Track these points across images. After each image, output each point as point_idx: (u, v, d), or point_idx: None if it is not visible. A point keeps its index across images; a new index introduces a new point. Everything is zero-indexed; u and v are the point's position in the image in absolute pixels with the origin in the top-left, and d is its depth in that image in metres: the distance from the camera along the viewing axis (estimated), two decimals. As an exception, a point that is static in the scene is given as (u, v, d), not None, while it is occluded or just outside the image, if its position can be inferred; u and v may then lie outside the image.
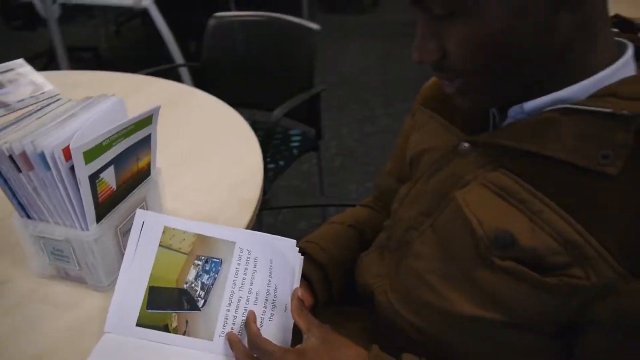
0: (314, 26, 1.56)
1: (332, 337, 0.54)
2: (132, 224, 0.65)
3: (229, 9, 2.38)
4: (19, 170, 0.61)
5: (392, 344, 0.57)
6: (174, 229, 0.65)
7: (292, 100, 1.43)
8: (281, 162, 1.53)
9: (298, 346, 0.54)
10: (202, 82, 1.76)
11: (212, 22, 1.71)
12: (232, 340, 0.59)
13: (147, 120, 0.69)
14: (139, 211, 0.65)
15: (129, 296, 0.62)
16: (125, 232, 0.71)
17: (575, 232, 0.44)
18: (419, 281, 0.57)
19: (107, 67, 1.51)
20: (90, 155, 0.60)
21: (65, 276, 0.71)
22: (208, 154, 1.01)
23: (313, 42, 1.56)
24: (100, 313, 0.64)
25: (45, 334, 0.63)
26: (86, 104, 0.68)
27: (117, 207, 0.69)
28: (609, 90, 0.45)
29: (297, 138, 1.66)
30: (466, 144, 0.55)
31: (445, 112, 0.62)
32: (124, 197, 0.70)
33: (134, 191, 0.72)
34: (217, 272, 0.64)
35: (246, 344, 0.58)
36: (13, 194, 0.65)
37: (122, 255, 0.69)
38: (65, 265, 0.69)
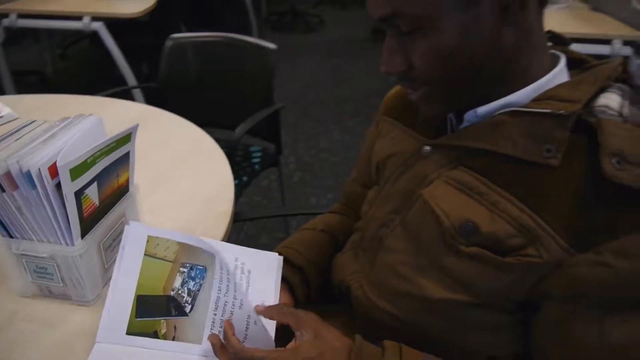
0: (271, 45, 1.62)
1: (323, 331, 0.58)
2: (114, 239, 0.68)
3: (179, 31, 2.41)
4: (3, 190, 0.63)
5: (371, 335, 0.62)
6: (157, 237, 0.67)
7: (253, 117, 1.48)
8: (244, 178, 1.56)
9: (291, 344, 0.58)
10: (159, 103, 1.77)
11: (169, 43, 1.74)
12: (215, 345, 0.62)
13: (127, 137, 0.72)
14: (125, 226, 0.68)
15: (119, 306, 0.64)
16: (107, 247, 0.73)
17: (527, 217, 0.51)
18: (393, 273, 0.62)
19: (53, 90, 1.50)
20: (75, 172, 0.63)
21: (48, 294, 0.72)
22: (179, 171, 1.04)
23: (270, 60, 1.62)
24: (88, 327, 0.66)
25: (35, 353, 0.64)
26: (65, 124, 0.70)
27: (99, 222, 0.71)
28: (548, 95, 0.53)
29: (258, 154, 1.70)
30: (428, 147, 0.62)
31: (407, 119, 0.69)
32: (106, 213, 0.72)
33: (114, 207, 0.74)
34: (202, 278, 0.67)
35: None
36: (-6, 215, 0.66)
37: (105, 270, 0.72)
38: (48, 282, 0.70)
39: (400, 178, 0.64)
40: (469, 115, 0.58)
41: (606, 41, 2.19)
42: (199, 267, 0.67)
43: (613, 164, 0.47)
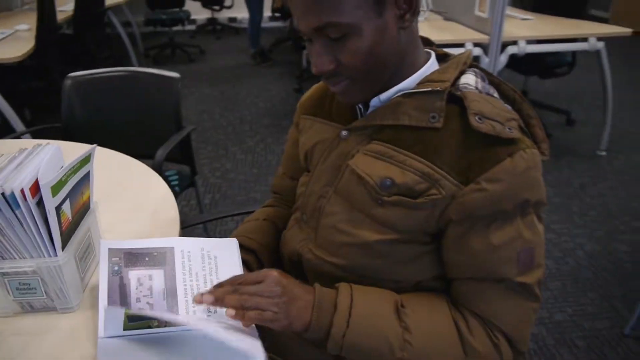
0: (173, 74, 1.73)
1: (286, 276, 0.73)
2: (84, 251, 0.77)
3: (60, 73, 2.38)
4: (-16, 216, 0.69)
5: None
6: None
7: (169, 141, 1.58)
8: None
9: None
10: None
11: (67, 82, 1.76)
12: (217, 300, 0.70)
13: (87, 158, 0.81)
14: (102, 241, 0.77)
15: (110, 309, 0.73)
16: (81, 258, 0.81)
17: (426, 167, 0.71)
18: (335, 231, 0.79)
19: None
20: (54, 189, 0.71)
21: (29, 310, 0.78)
22: (120, 192, 1.12)
23: (175, 88, 1.73)
24: (79, 330, 0.74)
25: (36, 356, 0.70)
26: (26, 154, 0.78)
27: (73, 235, 0.79)
28: (427, 79, 0.74)
29: (175, 177, 1.79)
30: (345, 132, 0.80)
31: (324, 114, 0.87)
32: (77, 227, 0.81)
33: (82, 222, 0.83)
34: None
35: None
36: (-25, 241, 0.72)
37: (82, 278, 0.80)
38: (31, 298, 0.76)
39: (328, 158, 0.82)
40: (374, 102, 0.78)
41: (460, 44, 2.61)
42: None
43: (476, 120, 0.69)
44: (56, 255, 0.74)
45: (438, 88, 0.72)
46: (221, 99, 4.13)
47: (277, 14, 5.64)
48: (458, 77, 0.75)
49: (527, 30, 2.88)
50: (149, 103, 1.75)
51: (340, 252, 0.79)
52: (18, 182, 0.69)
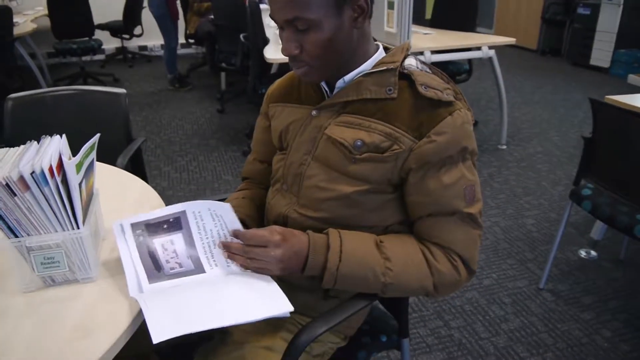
0: (122, 91, 1.80)
1: (284, 235, 0.88)
2: (94, 230, 0.87)
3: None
4: (14, 195, 0.77)
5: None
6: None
7: (126, 150, 1.65)
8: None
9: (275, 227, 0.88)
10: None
11: (8, 103, 1.77)
12: (229, 246, 0.88)
13: (93, 146, 0.91)
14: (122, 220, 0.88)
15: (133, 268, 0.83)
16: (94, 234, 0.90)
17: (388, 128, 0.90)
18: (317, 189, 0.95)
19: None
20: (77, 168, 0.81)
21: (51, 284, 0.85)
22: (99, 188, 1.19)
23: (123, 102, 1.80)
24: (105, 294, 0.83)
25: (73, 316, 0.78)
26: (42, 143, 0.86)
27: (88, 212, 0.88)
28: (381, 62, 0.93)
29: (128, 188, 1.84)
30: (315, 111, 0.97)
31: (293, 100, 1.03)
32: (88, 206, 0.89)
33: (91, 203, 0.91)
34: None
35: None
36: (2, 220, 0.79)
37: (97, 251, 0.89)
38: (54, 271, 0.84)
39: (304, 132, 0.98)
40: (339, 83, 0.95)
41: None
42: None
43: (423, 89, 0.89)
44: (79, 228, 0.83)
45: (391, 66, 0.92)
46: (145, 123, 4.13)
47: (191, 40, 5.72)
48: (403, 60, 0.95)
49: (430, 42, 3.25)
50: (98, 119, 1.80)
51: (323, 206, 0.95)
52: (46, 161, 0.78)
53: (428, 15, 4.14)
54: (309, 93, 1.02)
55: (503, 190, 2.90)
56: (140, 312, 0.78)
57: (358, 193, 0.92)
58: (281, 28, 0.89)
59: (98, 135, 0.92)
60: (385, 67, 0.92)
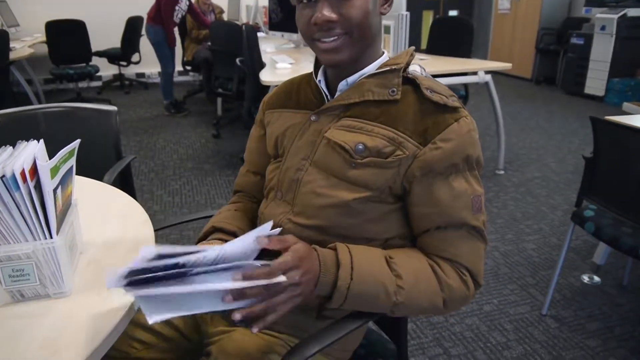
0: (111, 108, 1.76)
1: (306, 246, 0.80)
2: (71, 241, 0.80)
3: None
4: (-19, 201, 0.72)
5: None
6: None
7: (114, 167, 1.59)
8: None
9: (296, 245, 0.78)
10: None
11: (-4, 120, 1.73)
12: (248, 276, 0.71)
13: (72, 152, 0.86)
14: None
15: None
16: (69, 247, 0.84)
17: (391, 132, 0.85)
18: (314, 195, 0.89)
19: None
20: (52, 172, 0.76)
21: (19, 299, 0.79)
22: (85, 202, 1.12)
23: (114, 120, 1.76)
24: (77, 312, 0.76)
25: (40, 333, 0.71)
26: (17, 147, 0.81)
27: (64, 221, 0.82)
28: (385, 64, 0.90)
29: (116, 208, 1.78)
30: (314, 116, 0.93)
31: (291, 106, 0.99)
32: (64, 216, 0.84)
33: (67, 213, 0.86)
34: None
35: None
36: (-32, 228, 0.73)
37: (73, 264, 0.83)
38: (23, 285, 0.78)
39: (303, 136, 0.93)
40: (342, 85, 0.91)
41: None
42: None
43: (428, 92, 0.85)
44: (52, 238, 0.77)
45: (395, 67, 0.88)
46: (139, 147, 4.09)
47: (188, 67, 5.75)
48: (407, 66, 0.92)
49: (426, 67, 3.24)
50: (88, 136, 1.75)
51: (320, 214, 0.89)
52: (18, 164, 0.73)
53: (424, 45, 4.17)
54: (308, 98, 0.98)
55: (502, 215, 2.85)
56: (112, 332, 0.72)
57: (358, 201, 0.87)
58: (314, 1, 0.84)
59: (78, 140, 0.87)
60: (388, 68, 0.88)
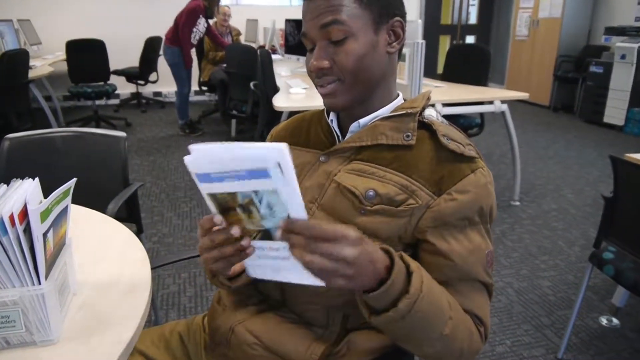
0: (121, 134, 1.75)
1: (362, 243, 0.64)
2: (62, 284, 0.77)
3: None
4: (-32, 245, 0.69)
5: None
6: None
7: (119, 196, 1.57)
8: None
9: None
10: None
11: (5, 143, 1.72)
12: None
13: (68, 191, 0.83)
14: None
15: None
16: (59, 291, 0.81)
17: (404, 180, 0.81)
18: (320, 239, 0.84)
19: None
20: (42, 217, 0.73)
21: (4, 346, 0.75)
22: (84, 237, 1.10)
23: (122, 146, 1.74)
24: (65, 358, 0.73)
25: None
26: (10, 187, 0.79)
27: (54, 266, 0.79)
28: (400, 107, 0.87)
29: (121, 235, 1.75)
30: (323, 157, 0.89)
31: (300, 143, 0.95)
32: (55, 259, 0.80)
33: (60, 254, 0.82)
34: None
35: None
36: (-47, 273, 0.70)
37: (63, 308, 0.79)
38: (8, 332, 0.74)
39: (311, 178, 0.89)
40: (354, 126, 0.88)
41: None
42: None
43: (445, 140, 0.81)
44: (40, 284, 0.74)
45: (411, 110, 0.85)
46: (152, 168, 4.10)
47: (204, 88, 5.79)
48: (423, 110, 0.88)
49: (441, 95, 3.21)
50: (95, 161, 1.75)
51: None
52: (7, 208, 0.70)
53: (440, 69, 4.15)
54: (318, 137, 0.94)
55: (516, 248, 2.77)
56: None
57: None
58: (311, 47, 0.83)
59: (74, 180, 0.84)
60: (404, 112, 0.85)
